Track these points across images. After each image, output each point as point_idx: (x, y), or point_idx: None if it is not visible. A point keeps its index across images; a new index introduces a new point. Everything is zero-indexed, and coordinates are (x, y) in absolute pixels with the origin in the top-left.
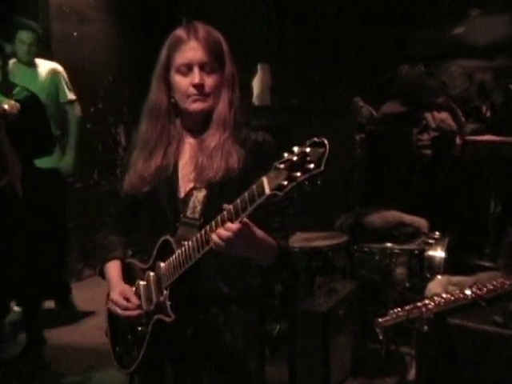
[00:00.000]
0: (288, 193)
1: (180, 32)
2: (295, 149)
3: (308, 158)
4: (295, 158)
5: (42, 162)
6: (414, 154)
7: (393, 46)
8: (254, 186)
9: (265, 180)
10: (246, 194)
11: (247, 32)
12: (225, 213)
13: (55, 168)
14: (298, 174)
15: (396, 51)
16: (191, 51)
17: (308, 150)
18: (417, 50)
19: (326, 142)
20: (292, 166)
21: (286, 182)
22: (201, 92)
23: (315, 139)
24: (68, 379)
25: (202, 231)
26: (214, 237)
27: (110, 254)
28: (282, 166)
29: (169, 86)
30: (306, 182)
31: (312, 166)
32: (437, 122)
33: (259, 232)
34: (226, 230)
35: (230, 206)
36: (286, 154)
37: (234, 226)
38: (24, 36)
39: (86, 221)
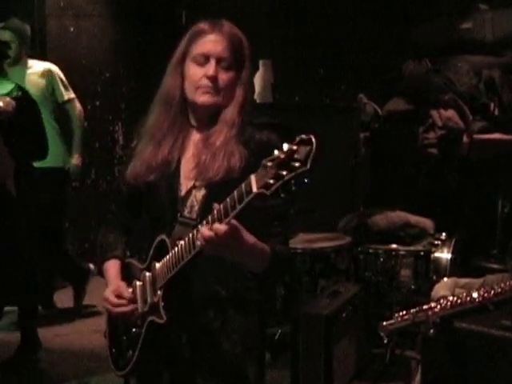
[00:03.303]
0: (275, 192)
1: (204, 24)
2: (284, 146)
3: (295, 156)
4: (283, 156)
5: (47, 162)
6: (419, 152)
7: (397, 42)
8: (243, 185)
9: (253, 178)
10: (235, 193)
11: (249, 27)
12: (215, 212)
13: (59, 167)
14: (285, 172)
15: (400, 48)
16: (212, 43)
17: (295, 147)
18: (423, 45)
19: (313, 139)
20: (279, 165)
21: (272, 181)
22: (213, 85)
23: (303, 136)
24: None
25: (194, 231)
26: (199, 236)
27: (109, 253)
28: (270, 163)
29: (183, 76)
30: (293, 181)
31: (298, 164)
32: (443, 120)
33: (249, 236)
34: (209, 230)
35: (220, 206)
36: (276, 152)
37: (219, 226)
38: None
39: (83, 221)
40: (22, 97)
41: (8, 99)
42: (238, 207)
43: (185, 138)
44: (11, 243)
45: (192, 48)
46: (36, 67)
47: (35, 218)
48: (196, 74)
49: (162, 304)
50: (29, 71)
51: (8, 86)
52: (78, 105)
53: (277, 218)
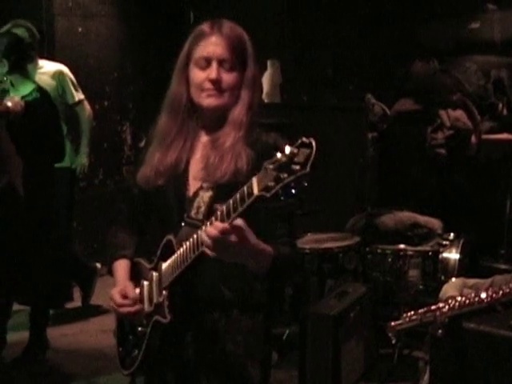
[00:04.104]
0: (275, 194)
1: (204, 26)
2: (286, 149)
3: (295, 159)
4: (284, 159)
5: None
6: (427, 153)
7: (405, 42)
8: (245, 187)
9: (254, 181)
10: (238, 195)
11: (257, 27)
12: (218, 213)
13: (66, 167)
14: (285, 175)
15: (408, 48)
16: (212, 46)
17: (296, 150)
18: (431, 46)
19: (313, 142)
20: (280, 167)
21: (272, 183)
22: (216, 88)
23: (303, 139)
24: None
25: (198, 231)
26: (203, 235)
27: (118, 253)
28: (271, 166)
29: (188, 79)
30: (292, 184)
31: (298, 167)
32: (451, 121)
33: (251, 236)
34: (214, 229)
35: (223, 207)
36: (278, 154)
37: (222, 225)
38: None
39: (90, 221)
40: (41, 98)
41: (17, 99)
42: (240, 209)
43: (193, 140)
44: (19, 243)
45: (194, 51)
46: (47, 68)
47: (42, 218)
48: (199, 77)
49: (166, 304)
50: (40, 71)
51: (29, 87)
52: (87, 106)
53: (281, 220)
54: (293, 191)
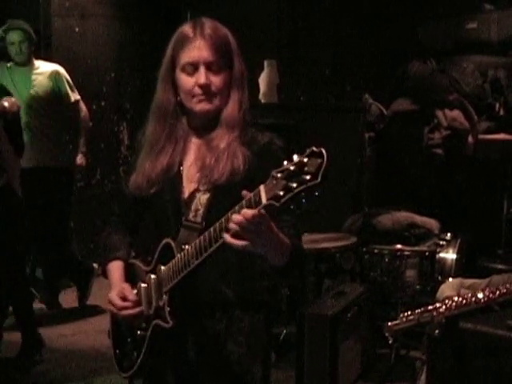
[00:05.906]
0: (284, 203)
1: (186, 29)
2: (294, 158)
3: (305, 169)
4: (293, 168)
5: (52, 162)
6: (424, 153)
7: (403, 42)
8: (252, 195)
9: (262, 189)
10: (244, 203)
11: (254, 28)
12: (222, 220)
13: (64, 167)
14: (295, 184)
15: (406, 48)
16: (197, 50)
17: (306, 160)
18: (428, 45)
19: (324, 152)
20: (289, 176)
21: (282, 193)
22: (207, 92)
23: (314, 149)
24: None
25: (201, 237)
26: (231, 224)
27: (113, 254)
28: (279, 175)
29: (174, 84)
30: (303, 193)
31: (308, 177)
32: (448, 121)
33: (273, 225)
34: (242, 216)
35: (228, 214)
36: (285, 163)
37: (251, 212)
38: (13, 37)
39: (88, 221)
40: None
41: (13, 99)
42: None
43: (185, 142)
44: (18, 243)
45: (179, 56)
46: (43, 68)
47: (41, 218)
48: (188, 83)
49: (167, 309)
50: (36, 72)
51: None
52: (83, 107)
53: (284, 213)
54: (303, 201)
